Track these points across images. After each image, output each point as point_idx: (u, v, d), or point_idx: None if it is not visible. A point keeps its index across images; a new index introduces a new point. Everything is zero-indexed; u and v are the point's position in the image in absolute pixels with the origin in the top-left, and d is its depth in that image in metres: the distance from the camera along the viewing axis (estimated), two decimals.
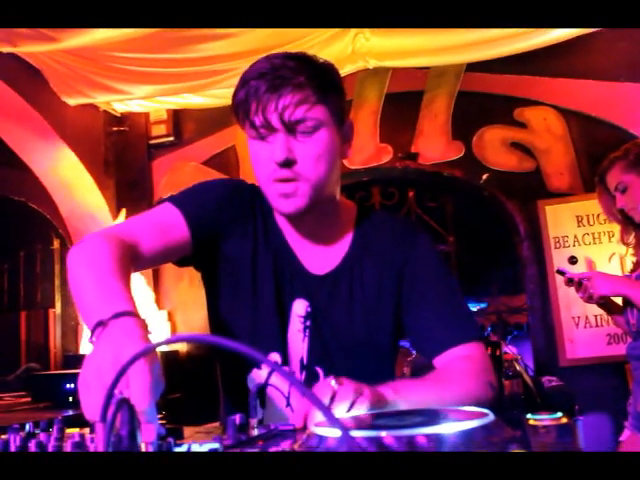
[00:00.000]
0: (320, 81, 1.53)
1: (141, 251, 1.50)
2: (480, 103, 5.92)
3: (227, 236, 1.69)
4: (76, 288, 1.34)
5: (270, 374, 1.63)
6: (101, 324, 1.14)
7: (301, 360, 1.65)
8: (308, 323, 1.65)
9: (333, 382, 1.24)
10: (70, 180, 6.43)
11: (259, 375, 1.66)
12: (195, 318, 6.04)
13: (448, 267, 1.72)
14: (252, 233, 1.70)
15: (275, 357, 1.64)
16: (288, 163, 1.51)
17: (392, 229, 1.75)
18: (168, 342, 0.94)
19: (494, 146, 5.83)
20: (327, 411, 0.71)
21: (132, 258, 1.45)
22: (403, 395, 1.33)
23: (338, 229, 1.72)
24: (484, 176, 5.82)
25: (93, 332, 1.16)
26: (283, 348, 1.65)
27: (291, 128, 1.51)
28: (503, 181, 5.79)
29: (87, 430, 1.15)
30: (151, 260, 1.56)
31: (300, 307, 1.66)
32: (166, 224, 1.59)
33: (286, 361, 1.65)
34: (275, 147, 1.51)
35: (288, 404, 1.63)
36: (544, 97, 5.77)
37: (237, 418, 1.06)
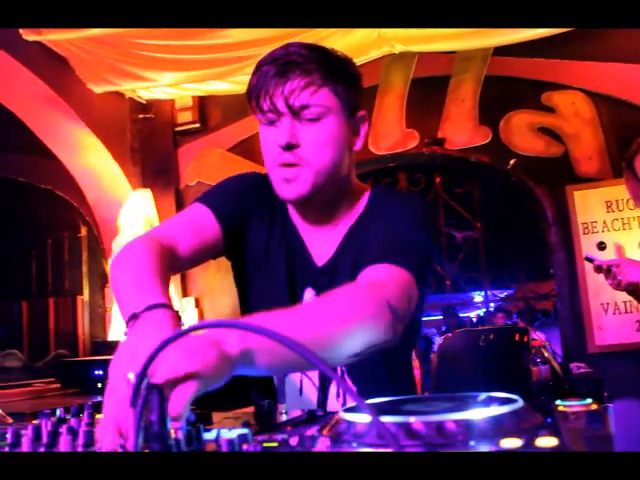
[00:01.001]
0: (331, 70, 1.55)
1: (179, 252, 1.54)
2: (507, 87, 5.86)
3: (250, 226, 1.74)
4: (116, 289, 1.38)
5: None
6: (134, 317, 1.17)
7: None
8: None
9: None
10: (97, 168, 6.47)
11: None
12: (222, 304, 6.06)
13: (423, 229, 1.59)
14: (268, 223, 1.74)
15: None
16: (291, 147, 1.53)
17: (384, 206, 1.69)
18: (192, 330, 0.95)
19: (522, 131, 5.78)
20: (357, 396, 0.70)
21: (170, 259, 1.48)
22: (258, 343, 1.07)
23: (343, 219, 1.72)
24: (511, 161, 5.77)
25: (127, 325, 1.19)
26: None
27: (297, 113, 1.53)
28: (531, 166, 5.74)
29: None
30: (189, 260, 1.60)
31: (309, 297, 1.69)
32: (198, 223, 1.64)
33: None
34: (280, 131, 1.53)
35: (301, 393, 1.63)
36: (572, 81, 5.70)
37: (266, 404, 1.06)
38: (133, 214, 6.15)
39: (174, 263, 1.50)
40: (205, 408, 1.22)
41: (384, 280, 1.41)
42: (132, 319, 1.18)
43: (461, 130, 5.94)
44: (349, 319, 1.26)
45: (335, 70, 1.56)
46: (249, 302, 1.78)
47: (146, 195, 6.29)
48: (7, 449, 0.90)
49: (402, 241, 1.53)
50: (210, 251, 1.67)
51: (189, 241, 1.58)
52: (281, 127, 1.53)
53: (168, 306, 1.20)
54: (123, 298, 1.30)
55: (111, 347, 5.93)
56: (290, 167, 1.55)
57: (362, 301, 1.32)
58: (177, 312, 1.20)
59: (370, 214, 1.71)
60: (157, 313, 1.16)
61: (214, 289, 6.17)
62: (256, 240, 1.73)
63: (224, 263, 1.83)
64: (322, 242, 1.71)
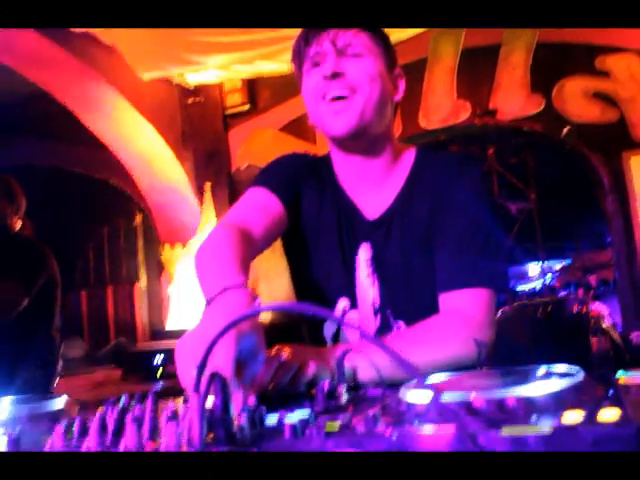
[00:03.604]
0: (370, 30, 1.63)
1: (254, 235, 1.58)
2: (559, 53, 5.75)
3: (303, 199, 1.78)
4: (197, 276, 1.42)
5: (341, 318, 1.71)
6: (209, 302, 1.22)
7: (373, 304, 1.69)
8: (374, 267, 1.70)
9: (279, 352, 1.27)
10: (149, 154, 6.55)
11: (332, 324, 1.75)
12: (278, 287, 6.09)
13: (485, 211, 1.65)
14: (319, 193, 1.78)
15: (344, 302, 1.71)
16: (337, 75, 1.57)
17: (442, 169, 1.72)
18: (246, 317, 0.96)
19: (575, 97, 5.67)
20: (417, 372, 0.70)
21: (249, 242, 1.52)
22: (363, 359, 1.32)
23: (392, 173, 1.74)
24: (565, 129, 5.68)
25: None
26: (351, 293, 1.71)
27: (341, 51, 1.59)
28: (586, 134, 5.64)
29: (180, 400, 1.17)
30: (263, 242, 1.63)
31: (365, 252, 1.72)
32: (262, 205, 1.68)
33: (356, 305, 1.71)
34: (326, 64, 1.59)
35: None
36: (627, 43, 5.55)
37: (326, 384, 1.07)
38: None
39: (252, 246, 1.54)
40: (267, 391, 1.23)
41: (469, 312, 1.52)
42: (208, 303, 1.22)
43: (513, 99, 5.85)
44: (434, 354, 1.43)
45: (374, 31, 1.65)
46: (303, 272, 1.81)
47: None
48: (75, 440, 0.92)
49: (474, 251, 1.60)
50: (279, 230, 1.71)
51: (260, 223, 1.61)
52: (327, 61, 1.59)
53: (241, 287, 1.23)
54: (202, 284, 1.34)
55: (170, 335, 6.02)
56: (338, 100, 1.58)
57: (449, 337, 1.48)
58: (249, 293, 1.22)
59: (422, 173, 1.73)
60: (226, 295, 1.19)
61: (269, 272, 6.20)
62: (308, 210, 1.77)
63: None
64: (372, 198, 1.73)
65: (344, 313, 1.69)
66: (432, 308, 1.58)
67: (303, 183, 1.77)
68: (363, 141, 1.65)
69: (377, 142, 1.68)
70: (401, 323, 1.66)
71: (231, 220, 1.61)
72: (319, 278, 1.75)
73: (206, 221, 6.47)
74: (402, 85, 1.73)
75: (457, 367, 1.41)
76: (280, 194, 1.69)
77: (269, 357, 1.22)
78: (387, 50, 1.67)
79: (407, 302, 1.67)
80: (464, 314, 1.52)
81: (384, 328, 1.66)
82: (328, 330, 1.74)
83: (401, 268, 1.67)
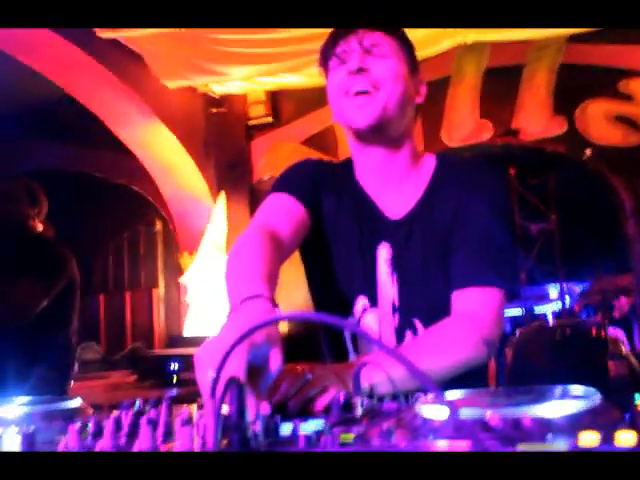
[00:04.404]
0: (394, 33, 1.69)
1: (283, 239, 1.59)
2: (583, 75, 5.73)
3: (322, 201, 1.79)
4: (226, 284, 1.43)
5: (357, 327, 1.74)
6: (231, 311, 1.23)
7: (392, 304, 1.72)
8: (394, 267, 1.72)
9: (305, 371, 1.27)
10: (171, 162, 6.58)
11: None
12: (296, 297, 6.08)
13: (503, 216, 1.71)
14: (336, 192, 1.79)
15: (363, 300, 1.73)
16: (362, 70, 1.61)
17: (461, 175, 1.76)
18: (261, 325, 0.96)
19: (598, 120, 5.65)
20: (434, 387, 0.70)
21: (278, 246, 1.54)
22: (380, 374, 1.31)
23: (413, 175, 1.77)
24: (588, 151, 5.65)
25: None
26: (370, 292, 1.73)
27: (368, 50, 1.63)
28: (608, 156, 5.62)
29: (194, 407, 1.17)
30: (290, 246, 1.65)
31: (385, 251, 1.74)
32: (286, 210, 1.69)
33: (375, 303, 1.73)
34: (352, 60, 1.63)
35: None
36: None
37: (341, 396, 1.07)
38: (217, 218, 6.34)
39: (282, 250, 1.56)
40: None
41: (479, 312, 1.58)
42: (230, 313, 1.23)
43: (536, 120, 5.84)
44: (448, 359, 1.49)
45: (398, 34, 1.70)
46: (321, 275, 1.82)
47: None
48: (89, 439, 0.92)
49: (490, 252, 1.65)
50: (304, 233, 1.72)
51: (287, 227, 1.63)
52: (352, 57, 1.63)
53: (263, 297, 1.23)
54: (228, 293, 1.36)
55: (187, 342, 6.04)
56: (362, 95, 1.61)
57: (460, 341, 1.54)
58: (270, 303, 1.23)
59: (444, 179, 1.76)
60: (249, 304, 1.21)
61: (288, 282, 6.20)
62: (328, 212, 1.78)
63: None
64: (394, 199, 1.76)
65: (364, 311, 1.72)
66: (448, 307, 1.62)
67: (322, 186, 1.79)
68: (385, 136, 1.68)
69: (398, 141, 1.72)
70: (417, 322, 1.69)
71: (260, 223, 1.63)
72: (339, 278, 1.76)
73: (213, 229, 6.52)
74: (423, 90, 1.77)
75: (465, 369, 1.51)
76: (302, 198, 1.71)
77: (295, 374, 1.24)
78: (411, 55, 1.72)
79: (425, 302, 1.69)
80: (474, 315, 1.58)
81: (402, 327, 1.69)
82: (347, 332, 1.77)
83: (420, 269, 1.70)
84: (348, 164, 1.82)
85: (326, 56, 1.72)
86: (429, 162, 1.80)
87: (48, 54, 5.52)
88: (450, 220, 1.69)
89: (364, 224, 1.76)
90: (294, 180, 1.78)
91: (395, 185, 1.76)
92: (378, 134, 1.67)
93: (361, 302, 1.73)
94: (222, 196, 6.61)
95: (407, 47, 1.72)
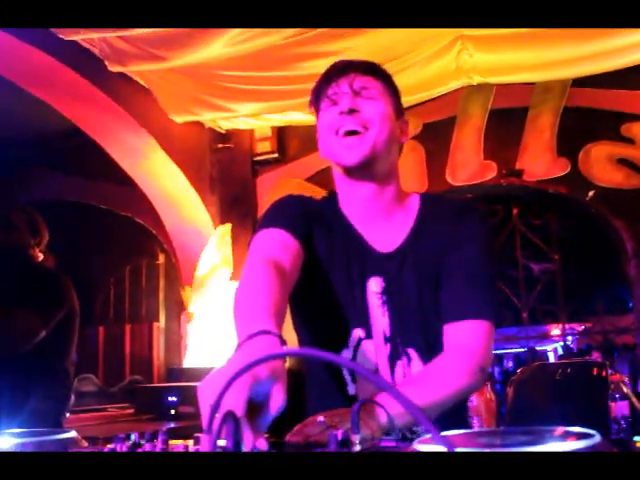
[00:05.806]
0: (382, 75, 1.82)
1: (286, 270, 1.60)
2: (586, 118, 5.78)
3: (313, 235, 1.82)
4: (234, 319, 1.44)
5: (355, 350, 1.78)
6: (238, 347, 1.23)
7: (384, 334, 1.77)
8: (385, 298, 1.78)
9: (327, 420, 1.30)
10: (176, 196, 6.59)
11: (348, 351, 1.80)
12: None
13: (487, 252, 1.81)
14: (326, 226, 1.84)
15: (359, 332, 1.78)
16: (352, 111, 1.70)
17: (445, 212, 1.85)
18: (260, 361, 0.96)
19: (601, 162, 5.69)
20: (432, 426, 0.70)
21: (283, 277, 1.56)
22: (379, 414, 1.35)
23: (399, 212, 1.85)
24: (590, 193, 5.67)
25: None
26: (366, 324, 1.78)
27: (357, 92, 1.74)
28: (610, 198, 5.64)
29: (191, 442, 1.17)
30: (292, 279, 1.65)
31: (375, 284, 1.79)
32: (282, 242, 1.71)
33: (370, 335, 1.78)
34: (342, 101, 1.73)
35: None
36: None
37: (339, 434, 1.07)
38: (214, 249, 6.31)
39: (287, 284, 1.58)
40: (279, 436, 1.23)
41: (473, 344, 1.66)
42: (237, 348, 1.23)
43: (539, 161, 5.87)
44: (449, 388, 1.59)
45: (386, 76, 1.84)
46: (313, 309, 1.86)
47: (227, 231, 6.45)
48: None
49: (479, 287, 1.74)
50: (300, 265, 1.73)
51: (286, 261, 1.64)
52: (343, 99, 1.73)
53: (269, 333, 1.24)
54: (236, 328, 1.37)
55: (186, 375, 6.01)
56: (352, 135, 1.70)
57: (459, 371, 1.62)
58: (277, 338, 1.24)
59: (429, 217, 1.85)
60: (255, 340, 1.21)
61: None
62: (319, 246, 1.81)
63: None
64: (382, 233, 1.82)
65: (359, 342, 1.76)
66: (441, 335, 1.70)
67: (312, 220, 1.83)
68: (373, 173, 1.76)
69: (385, 177, 1.80)
70: (411, 351, 1.75)
71: (264, 256, 1.63)
72: (334, 311, 1.79)
73: (210, 261, 6.52)
74: (406, 131, 1.89)
75: (462, 398, 1.68)
76: (295, 233, 1.73)
77: (321, 421, 1.29)
78: (396, 98, 1.84)
79: (420, 332, 1.76)
80: (469, 346, 1.66)
81: (396, 357, 1.75)
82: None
83: (413, 299, 1.77)
84: (332, 198, 1.90)
85: (318, 97, 1.82)
86: (414, 199, 1.89)
87: (57, 86, 5.56)
88: (439, 253, 1.77)
89: (354, 257, 1.80)
90: (285, 215, 1.81)
91: (383, 219, 1.83)
92: (367, 170, 1.75)
93: (357, 333, 1.78)
94: (223, 227, 6.61)
95: (393, 90, 1.83)
